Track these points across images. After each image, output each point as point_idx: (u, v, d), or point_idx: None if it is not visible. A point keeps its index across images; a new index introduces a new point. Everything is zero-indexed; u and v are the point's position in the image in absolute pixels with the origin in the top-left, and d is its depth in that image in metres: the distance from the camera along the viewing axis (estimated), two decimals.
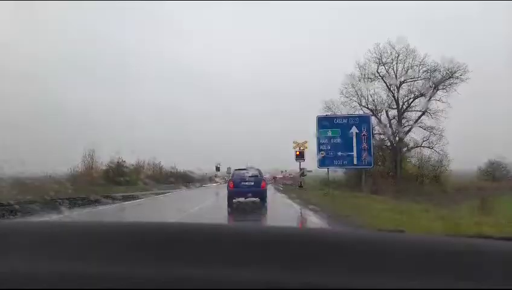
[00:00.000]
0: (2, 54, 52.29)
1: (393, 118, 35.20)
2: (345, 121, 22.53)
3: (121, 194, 16.49)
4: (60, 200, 9.52)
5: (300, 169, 28.52)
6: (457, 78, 32.76)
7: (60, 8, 67.27)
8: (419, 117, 33.99)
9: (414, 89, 34.49)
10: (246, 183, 15.99)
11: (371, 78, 34.96)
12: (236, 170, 17.71)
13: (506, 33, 44.80)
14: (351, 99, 35.27)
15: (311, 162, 25.86)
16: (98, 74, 68.21)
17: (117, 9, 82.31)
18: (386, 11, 62.76)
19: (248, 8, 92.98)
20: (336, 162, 22.21)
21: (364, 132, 21.82)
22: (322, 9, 79.04)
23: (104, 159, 29.56)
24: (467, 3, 49.43)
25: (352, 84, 35.21)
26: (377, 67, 34.83)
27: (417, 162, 35.18)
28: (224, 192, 16.61)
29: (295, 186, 28.81)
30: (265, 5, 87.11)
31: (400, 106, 34.62)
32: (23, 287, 0.82)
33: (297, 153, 27.39)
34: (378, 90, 35.29)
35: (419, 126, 34.02)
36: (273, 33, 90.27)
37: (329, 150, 21.96)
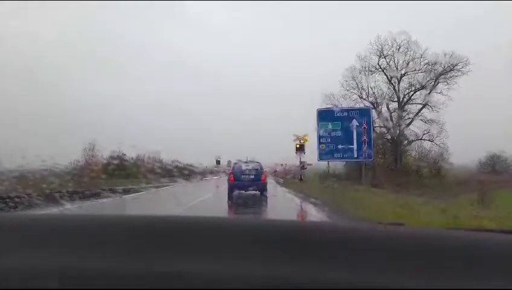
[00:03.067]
0: (3, 51, 52.18)
1: (394, 110, 35.19)
2: (345, 114, 22.49)
3: (122, 187, 16.52)
4: (60, 193, 9.54)
5: (301, 162, 28.54)
6: (458, 70, 32.72)
7: (59, 6, 66.92)
8: (420, 110, 33.98)
9: (415, 81, 34.47)
10: (247, 176, 16.03)
11: (371, 71, 34.89)
12: (236, 163, 17.73)
13: (507, 31, 44.44)
14: (351, 92, 35.23)
15: (311, 155, 25.91)
16: (98, 71, 67.89)
17: (118, 7, 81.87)
18: (386, 11, 62.40)
19: (247, 8, 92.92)
20: (336, 155, 22.23)
21: (364, 125, 21.80)
22: (322, 8, 78.49)
23: (104, 152, 29.67)
24: (468, 2, 48.90)
25: (353, 77, 35.16)
26: (377, 59, 34.74)
27: (417, 155, 35.22)
28: (224, 185, 16.64)
29: (295, 179, 28.86)
30: (263, 5, 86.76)
31: (401, 99, 34.58)
32: (24, 281, 0.82)
33: (298, 146, 27.41)
34: (378, 83, 35.25)
35: (420, 119, 34.04)
36: (273, 30, 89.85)
37: (330, 143, 21.96)
